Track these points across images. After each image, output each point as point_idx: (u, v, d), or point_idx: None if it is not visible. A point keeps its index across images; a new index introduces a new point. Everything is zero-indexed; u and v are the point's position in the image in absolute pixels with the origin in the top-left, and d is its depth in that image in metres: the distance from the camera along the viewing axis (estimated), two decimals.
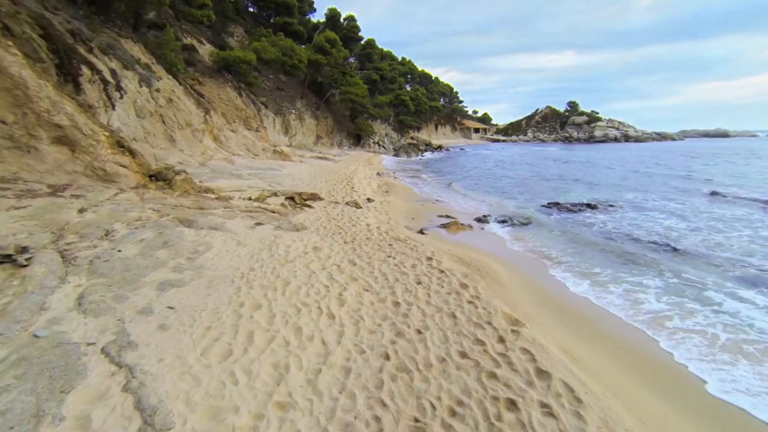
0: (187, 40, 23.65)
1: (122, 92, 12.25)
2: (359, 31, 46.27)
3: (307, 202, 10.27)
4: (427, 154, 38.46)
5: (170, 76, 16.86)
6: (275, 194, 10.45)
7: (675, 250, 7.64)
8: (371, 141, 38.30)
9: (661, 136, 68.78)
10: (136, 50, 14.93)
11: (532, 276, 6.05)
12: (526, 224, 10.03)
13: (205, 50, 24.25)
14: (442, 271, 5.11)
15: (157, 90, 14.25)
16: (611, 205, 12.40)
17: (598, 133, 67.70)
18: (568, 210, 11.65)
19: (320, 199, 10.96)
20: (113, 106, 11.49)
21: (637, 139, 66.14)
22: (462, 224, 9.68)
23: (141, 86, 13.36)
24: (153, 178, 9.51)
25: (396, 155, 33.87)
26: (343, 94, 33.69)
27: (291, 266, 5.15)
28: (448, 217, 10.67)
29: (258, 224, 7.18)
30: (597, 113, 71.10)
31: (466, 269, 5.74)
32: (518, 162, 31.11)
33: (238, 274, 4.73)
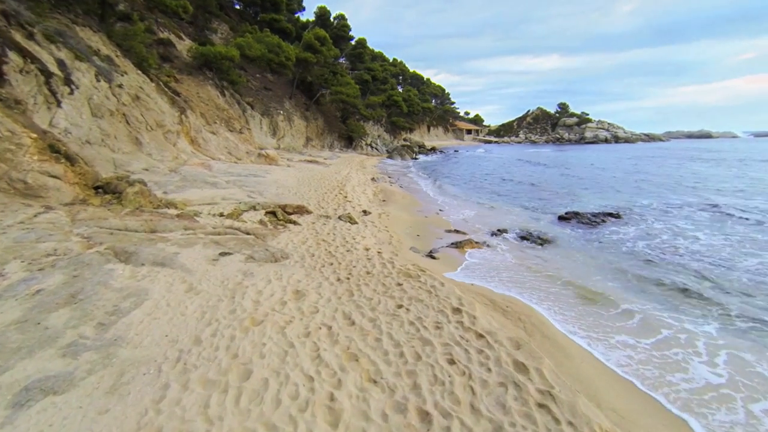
0: (164, 35, 21.57)
1: (73, 87, 10.30)
2: (350, 30, 44.59)
3: (292, 217, 8.53)
4: (422, 157, 36.93)
5: (139, 72, 14.87)
6: (254, 208, 8.68)
7: (734, 278, 6.19)
8: (363, 143, 36.59)
9: (650, 137, 68.86)
10: (95, 40, 12.93)
11: (587, 329, 4.44)
12: (549, 242, 8.48)
13: (184, 46, 22.21)
14: (481, 336, 3.46)
15: (120, 86, 12.28)
16: (635, 216, 10.98)
17: (588, 134, 67.34)
18: (590, 222, 10.17)
19: (308, 212, 9.22)
20: (59, 103, 9.54)
21: (627, 140, 65.94)
22: (476, 242, 8.08)
23: (98, 81, 11.40)
24: (99, 190, 7.66)
25: (390, 158, 32.25)
26: (334, 94, 31.91)
27: (259, 332, 3.43)
28: (457, 232, 9.07)
29: (224, 254, 5.42)
30: (587, 114, 70.84)
31: (506, 321, 4.11)
32: (516, 164, 29.82)
33: (173, 356, 2.99)
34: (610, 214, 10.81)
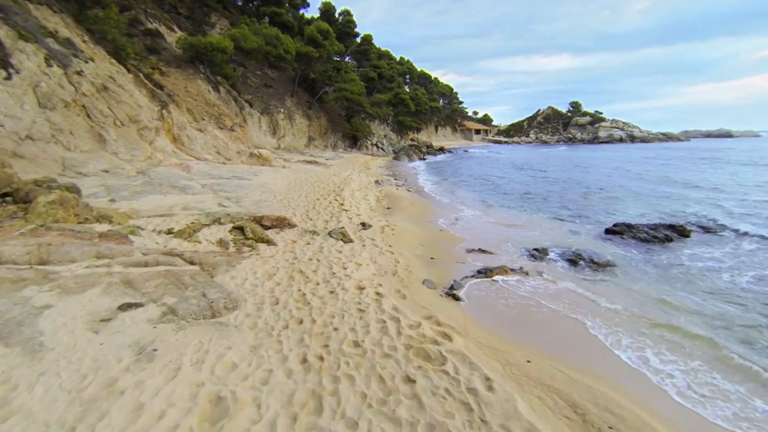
0: (152, 26, 19.80)
1: (11, 70, 8.43)
2: (355, 26, 42.60)
3: (268, 234, 6.46)
4: (430, 157, 34.73)
5: (113, 61, 13.03)
6: (218, 221, 6.63)
7: None
8: (369, 143, 34.53)
9: (667, 137, 65.27)
10: (54, 21, 11.06)
11: None
12: (608, 267, 6.27)
13: (175, 38, 20.40)
14: None
15: (79, 72, 10.40)
16: (704, 230, 8.65)
17: (602, 133, 64.12)
18: (650, 238, 7.89)
19: (290, 225, 7.15)
20: None
21: (643, 140, 62.51)
22: (512, 269, 5.90)
23: (50, 65, 9.52)
24: (8, 198, 5.70)
25: (396, 158, 30.10)
26: (338, 91, 29.89)
27: None
28: (482, 252, 6.90)
29: (127, 307, 3.36)
30: (601, 113, 67.58)
31: None
32: (533, 165, 27.37)
33: None
34: (672, 227, 8.50)
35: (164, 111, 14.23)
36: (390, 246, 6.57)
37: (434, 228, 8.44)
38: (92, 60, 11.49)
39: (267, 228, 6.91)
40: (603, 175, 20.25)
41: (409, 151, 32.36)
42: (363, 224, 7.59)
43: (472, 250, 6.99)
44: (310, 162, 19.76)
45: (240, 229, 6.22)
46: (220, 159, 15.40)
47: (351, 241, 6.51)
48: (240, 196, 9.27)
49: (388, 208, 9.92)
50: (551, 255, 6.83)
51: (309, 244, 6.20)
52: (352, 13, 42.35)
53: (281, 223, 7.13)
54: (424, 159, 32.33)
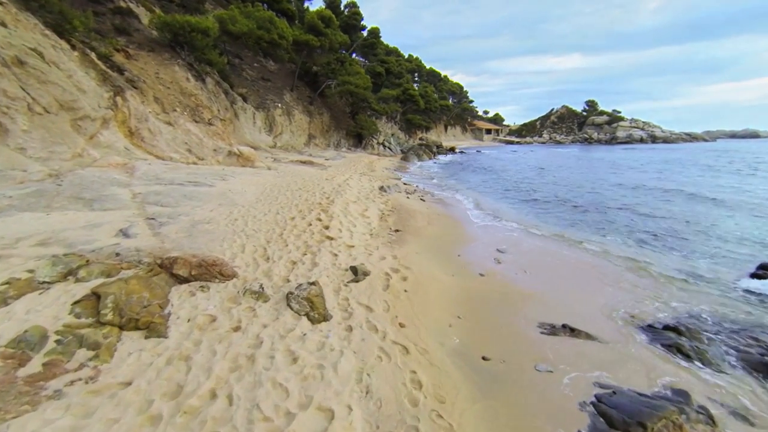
0: (123, 4, 16.83)
1: None
2: (362, 18, 39.37)
3: (168, 298, 3.26)
4: (441, 157, 31.35)
5: (48, 32, 10.05)
6: (74, 273, 3.44)
7: None
8: (375, 141, 31.27)
9: (691, 137, 60.35)
10: None
11: None
12: None
13: (149, 18, 17.41)
14: None
15: None
16: None
17: (621, 133, 59.59)
18: None
19: (224, 276, 3.92)
20: None
21: (665, 140, 57.89)
22: (679, 406, 2.58)
23: None
24: None
25: (405, 159, 26.78)
26: (341, 84, 26.67)
27: None
28: (570, 331, 3.62)
29: None
30: (619, 112, 62.87)
31: None
32: (560, 168, 23.69)
33: None
34: None
35: (119, 98, 11.17)
36: (400, 324, 3.33)
37: (470, 270, 5.11)
38: (3, 25, 8.48)
39: (182, 281, 3.73)
40: (650, 181, 16.63)
41: (419, 151, 29.02)
42: (354, 270, 4.32)
43: (552, 328, 3.69)
44: (304, 162, 16.60)
45: (97, 296, 3.02)
46: (190, 158, 12.30)
47: (325, 318, 3.27)
48: (176, 213, 6.10)
49: (397, 230, 6.63)
50: (711, 346, 3.48)
51: (238, 329, 2.99)
52: (357, 4, 39.17)
53: (208, 272, 3.92)
54: (435, 160, 28.96)
